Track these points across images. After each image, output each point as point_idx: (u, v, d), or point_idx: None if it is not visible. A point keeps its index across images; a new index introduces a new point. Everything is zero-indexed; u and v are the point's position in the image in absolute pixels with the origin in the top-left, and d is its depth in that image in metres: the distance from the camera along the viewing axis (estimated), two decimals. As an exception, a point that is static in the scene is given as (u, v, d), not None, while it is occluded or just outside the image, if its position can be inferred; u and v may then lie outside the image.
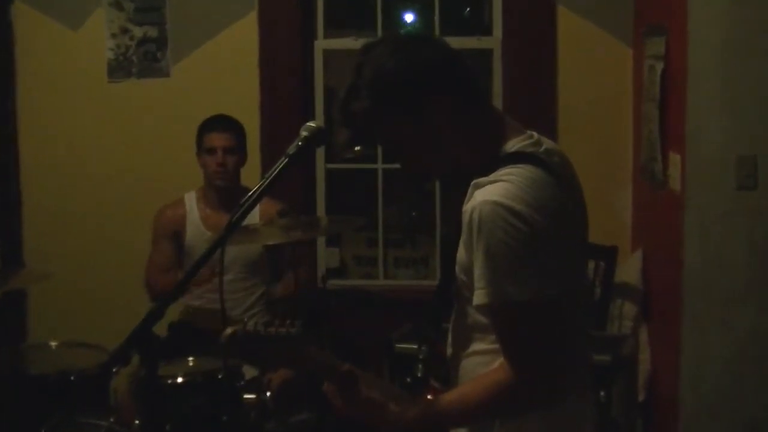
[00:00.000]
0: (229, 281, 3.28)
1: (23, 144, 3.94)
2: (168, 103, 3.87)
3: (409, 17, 4.30)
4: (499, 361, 1.55)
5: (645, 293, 3.48)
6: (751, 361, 2.90)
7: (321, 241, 3.94)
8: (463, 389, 1.60)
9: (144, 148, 3.89)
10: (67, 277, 3.75)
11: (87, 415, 2.72)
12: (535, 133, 1.64)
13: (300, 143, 1.65)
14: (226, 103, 3.67)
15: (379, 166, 3.95)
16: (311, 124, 1.68)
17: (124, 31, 3.85)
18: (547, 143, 1.63)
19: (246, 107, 3.76)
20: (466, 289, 1.56)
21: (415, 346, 1.72)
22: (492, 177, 1.53)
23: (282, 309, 3.33)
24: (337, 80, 3.85)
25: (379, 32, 3.90)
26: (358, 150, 4.07)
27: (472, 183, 1.55)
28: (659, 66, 3.22)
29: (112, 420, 2.69)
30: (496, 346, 1.55)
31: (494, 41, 3.83)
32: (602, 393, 2.81)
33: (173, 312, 3.37)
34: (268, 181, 1.62)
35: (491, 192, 1.50)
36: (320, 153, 3.91)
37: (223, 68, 3.85)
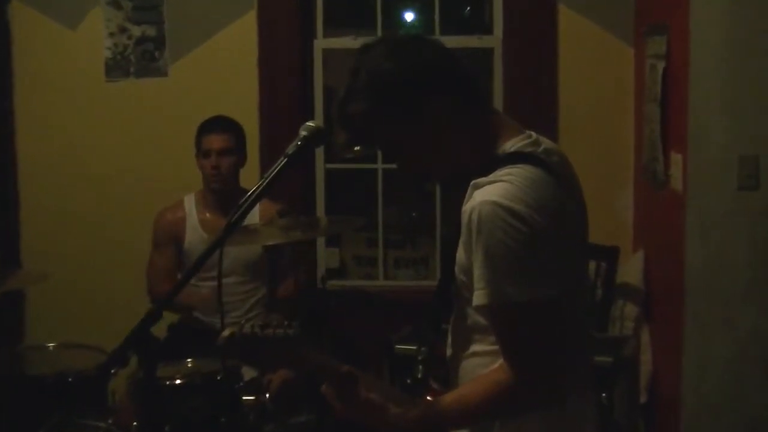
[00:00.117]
0: (229, 284, 3.27)
1: (21, 144, 3.93)
2: (166, 103, 3.86)
3: (409, 16, 4.28)
4: (498, 362, 1.54)
5: (646, 294, 3.48)
6: (752, 362, 2.90)
7: (321, 241, 3.94)
8: (463, 390, 1.59)
9: (142, 148, 3.88)
10: (65, 277, 3.74)
11: (85, 416, 2.72)
12: (533, 133, 1.63)
13: (299, 143, 1.65)
14: (224, 103, 3.66)
15: (379, 166, 3.94)
16: (310, 123, 1.68)
17: (122, 30, 3.84)
18: (546, 143, 1.63)
19: (245, 107, 3.76)
20: (466, 290, 1.56)
21: (415, 348, 1.71)
22: (491, 177, 1.53)
23: (283, 310, 3.32)
24: (337, 80, 3.83)
25: (379, 31, 3.89)
26: (357, 150, 4.06)
27: (471, 183, 1.55)
28: (661, 65, 3.21)
29: (110, 421, 2.69)
30: (496, 347, 1.55)
31: (495, 40, 3.83)
32: (604, 394, 2.80)
33: (172, 313, 3.36)
34: (267, 181, 1.62)
35: (490, 192, 1.50)
36: (320, 153, 3.90)
37: (222, 68, 3.84)
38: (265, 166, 3.71)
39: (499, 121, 1.64)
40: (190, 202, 3.40)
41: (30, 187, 3.95)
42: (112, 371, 2.61)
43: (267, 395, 2.89)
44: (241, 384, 2.75)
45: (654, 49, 3.33)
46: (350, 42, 3.80)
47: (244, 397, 2.75)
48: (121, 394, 2.96)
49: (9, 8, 3.87)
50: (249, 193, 1.61)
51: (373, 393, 1.55)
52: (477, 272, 1.50)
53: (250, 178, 3.41)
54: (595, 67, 3.73)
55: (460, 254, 1.56)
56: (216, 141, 3.26)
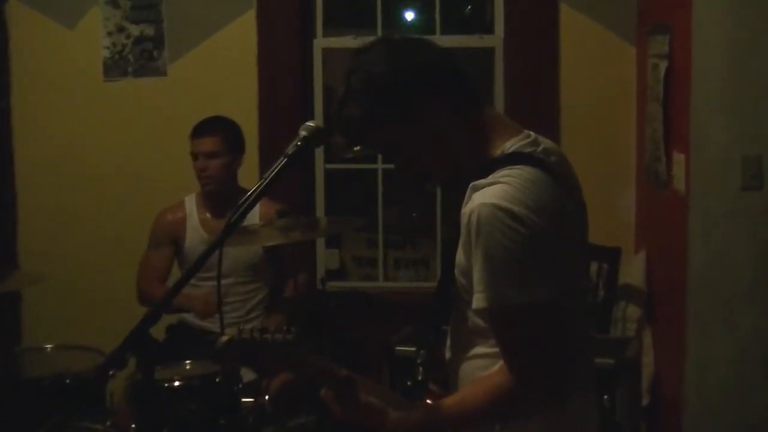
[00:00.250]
0: (229, 285, 3.26)
1: (18, 144, 3.93)
2: (165, 103, 3.85)
3: (409, 16, 4.27)
4: (498, 364, 1.54)
5: (649, 295, 3.48)
6: (755, 363, 2.89)
7: (320, 242, 3.93)
8: (463, 393, 1.59)
9: (141, 148, 3.87)
10: (63, 278, 3.73)
11: (83, 418, 2.71)
12: (532, 133, 1.63)
13: (299, 143, 1.64)
14: (223, 102, 3.65)
15: (379, 166, 3.93)
16: (310, 123, 1.67)
17: (121, 29, 3.83)
18: (545, 143, 1.62)
19: (244, 107, 3.75)
20: (466, 292, 1.55)
21: (415, 349, 1.71)
22: (490, 179, 1.52)
23: (284, 310, 3.32)
24: (337, 79, 3.79)
25: (379, 31, 3.88)
26: (357, 150, 4.04)
27: (470, 185, 1.54)
28: (663, 65, 3.20)
29: (108, 424, 2.69)
30: (496, 349, 1.55)
31: (496, 40, 3.81)
32: (605, 396, 2.80)
33: (171, 314, 3.34)
34: (266, 181, 1.61)
35: (489, 194, 1.49)
36: (319, 153, 3.90)
37: (221, 67, 3.83)
38: (264, 166, 3.70)
39: (498, 121, 1.64)
40: (190, 203, 3.40)
41: (27, 187, 3.94)
42: (111, 373, 2.60)
43: (266, 397, 2.87)
44: (240, 386, 2.74)
45: (656, 49, 3.32)
46: (350, 41, 3.79)
47: (243, 399, 2.74)
48: (120, 396, 2.94)
49: (6, 7, 3.86)
50: (248, 194, 1.61)
51: (372, 397, 1.55)
52: (476, 275, 1.49)
53: (250, 178, 3.40)
54: (596, 67, 3.72)
55: (460, 256, 1.55)
56: (202, 144, 3.27)
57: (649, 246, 3.55)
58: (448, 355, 1.69)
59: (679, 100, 3.07)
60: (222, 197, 3.30)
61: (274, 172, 1.61)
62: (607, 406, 2.81)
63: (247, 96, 3.80)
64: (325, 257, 3.98)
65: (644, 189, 3.60)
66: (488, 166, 1.55)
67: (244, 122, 3.46)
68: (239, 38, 3.81)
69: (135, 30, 3.83)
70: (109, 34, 3.85)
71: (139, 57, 3.84)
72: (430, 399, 1.64)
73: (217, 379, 2.67)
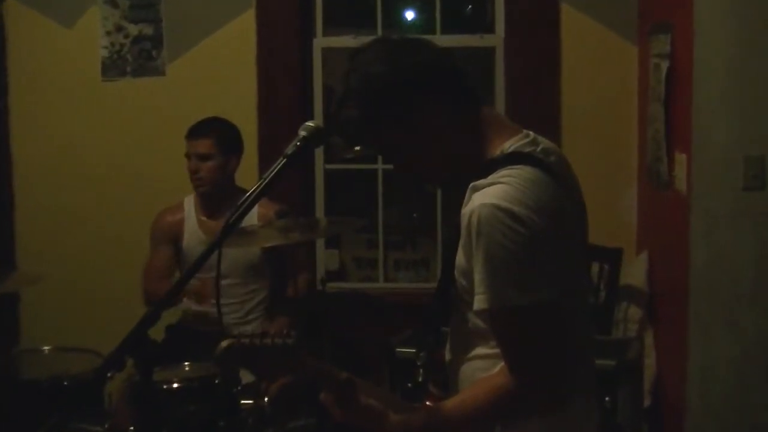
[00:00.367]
0: (228, 285, 3.25)
1: (16, 144, 3.92)
2: (164, 103, 3.84)
3: (409, 15, 4.25)
4: (499, 365, 1.54)
5: (650, 296, 3.47)
6: (757, 364, 2.88)
7: (320, 243, 3.92)
8: (464, 395, 1.58)
9: (139, 148, 3.86)
10: (61, 279, 3.73)
11: (81, 420, 2.70)
12: (531, 132, 1.63)
13: (298, 143, 1.63)
14: (222, 102, 3.64)
15: (379, 166, 3.92)
16: (310, 123, 1.66)
17: (119, 28, 3.82)
18: (544, 142, 1.62)
19: (243, 107, 3.74)
20: (466, 293, 1.55)
21: (415, 351, 1.70)
22: (490, 179, 1.52)
23: (288, 313, 3.31)
24: (337, 79, 3.80)
25: (379, 30, 3.87)
26: (357, 150, 4.03)
27: (470, 186, 1.54)
28: (665, 64, 3.19)
29: (106, 426, 2.69)
30: (496, 350, 1.54)
31: (496, 39, 3.80)
32: (607, 398, 2.79)
33: (171, 315, 3.33)
34: (266, 182, 1.60)
35: (489, 195, 1.49)
36: (319, 153, 3.89)
37: (220, 67, 3.82)
38: (263, 167, 3.69)
39: (497, 121, 1.64)
40: (189, 204, 3.40)
41: (25, 187, 3.93)
42: (109, 375, 2.61)
43: (266, 399, 2.86)
44: (240, 388, 2.72)
45: (658, 48, 3.31)
46: (350, 41, 3.78)
47: (243, 401, 2.73)
48: (118, 397, 2.93)
49: (4, 6, 3.85)
50: (248, 194, 1.60)
51: (372, 400, 1.54)
52: (477, 276, 1.49)
53: (249, 178, 3.38)
54: (598, 67, 3.71)
55: (460, 257, 1.55)
56: (195, 146, 3.27)
57: (651, 247, 3.54)
58: (448, 356, 1.69)
59: (680, 100, 3.06)
60: (219, 198, 3.29)
61: (273, 173, 1.60)
62: (609, 407, 2.80)
63: (246, 96, 3.79)
64: (324, 258, 3.97)
65: (646, 189, 3.59)
66: (488, 166, 1.55)
67: (244, 122, 3.45)
68: (238, 38, 3.80)
69: (133, 29, 3.82)
70: (108, 33, 3.83)
71: (138, 57, 3.83)
72: (430, 401, 1.64)
73: (217, 381, 2.66)
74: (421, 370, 1.67)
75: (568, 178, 1.62)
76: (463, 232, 1.51)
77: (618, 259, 3.44)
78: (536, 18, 3.71)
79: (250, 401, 2.78)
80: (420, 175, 1.70)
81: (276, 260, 3.38)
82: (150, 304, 3.31)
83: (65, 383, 2.75)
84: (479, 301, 1.49)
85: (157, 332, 1.59)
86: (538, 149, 1.58)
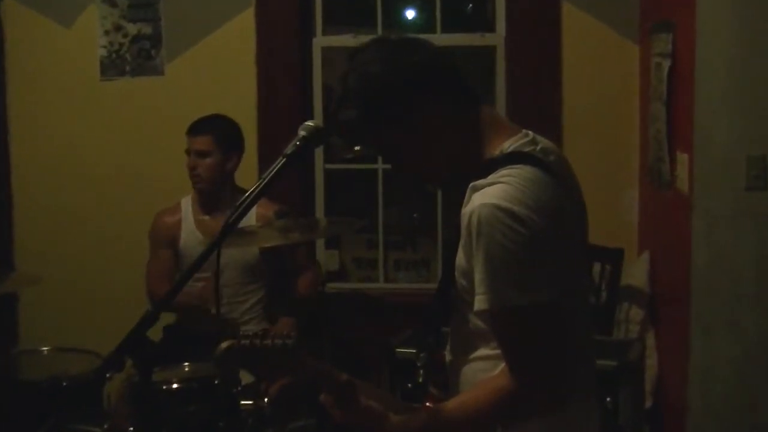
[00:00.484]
0: (225, 285, 3.23)
1: (14, 144, 3.91)
2: (162, 102, 3.83)
3: (410, 14, 4.24)
4: (500, 366, 1.53)
5: (652, 296, 3.47)
6: (760, 365, 2.87)
7: (320, 243, 3.91)
8: (464, 397, 1.58)
9: (138, 148, 3.86)
10: (60, 280, 3.72)
11: (80, 421, 2.69)
12: (530, 132, 1.62)
13: (298, 143, 1.63)
14: (222, 102, 3.63)
15: (379, 166, 3.91)
16: (309, 123, 1.66)
17: (118, 28, 3.81)
18: (543, 142, 1.61)
19: (243, 106, 3.73)
20: (466, 294, 1.54)
21: (416, 352, 1.70)
22: (490, 179, 1.51)
23: (295, 313, 3.30)
24: (337, 78, 3.79)
25: (379, 29, 3.87)
26: (357, 150, 4.02)
27: (469, 186, 1.53)
28: (666, 63, 3.19)
29: (106, 427, 2.67)
30: (497, 351, 1.54)
31: (497, 38, 3.79)
32: (608, 399, 2.78)
33: (169, 315, 3.32)
34: (265, 182, 1.60)
35: (489, 195, 1.48)
36: (319, 153, 3.88)
37: (220, 66, 3.81)
38: (263, 166, 3.68)
39: (496, 120, 1.64)
40: (186, 204, 3.39)
41: (24, 187, 3.92)
42: (108, 375, 2.60)
43: (265, 400, 2.85)
44: (239, 388, 2.71)
45: (659, 47, 3.30)
46: (350, 40, 3.77)
47: (243, 402, 2.71)
48: (117, 398, 2.92)
49: (2, 6, 3.85)
50: (247, 194, 1.59)
51: (372, 401, 1.54)
52: (477, 276, 1.48)
53: (249, 177, 3.37)
54: (599, 66, 3.71)
55: (460, 258, 1.54)
56: (194, 142, 3.26)
57: (652, 247, 3.53)
58: (448, 357, 1.68)
59: (682, 100, 3.06)
60: (217, 196, 3.29)
61: (272, 173, 1.59)
62: (610, 408, 2.79)
63: (245, 95, 3.79)
64: (324, 258, 3.96)
65: (647, 189, 3.58)
66: (487, 165, 1.55)
67: (243, 122, 3.44)
68: (238, 37, 3.79)
69: (132, 29, 3.81)
70: (107, 32, 3.82)
71: (137, 56, 3.82)
72: (430, 402, 1.63)
73: (216, 382, 2.64)
74: (421, 371, 1.67)
75: (568, 178, 1.61)
76: (463, 232, 1.51)
77: (619, 259, 3.43)
78: (537, 17, 3.70)
79: (250, 402, 2.76)
80: (420, 175, 1.69)
81: (275, 260, 3.37)
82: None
83: (64, 384, 2.73)
84: (479, 302, 1.48)
85: (154, 333, 1.58)
86: (538, 149, 1.58)
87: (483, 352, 1.58)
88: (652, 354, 3.37)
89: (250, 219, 3.14)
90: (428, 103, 1.58)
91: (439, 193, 3.89)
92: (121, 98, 3.85)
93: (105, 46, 3.84)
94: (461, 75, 1.62)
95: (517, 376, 1.49)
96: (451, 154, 1.60)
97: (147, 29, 3.81)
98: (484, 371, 1.57)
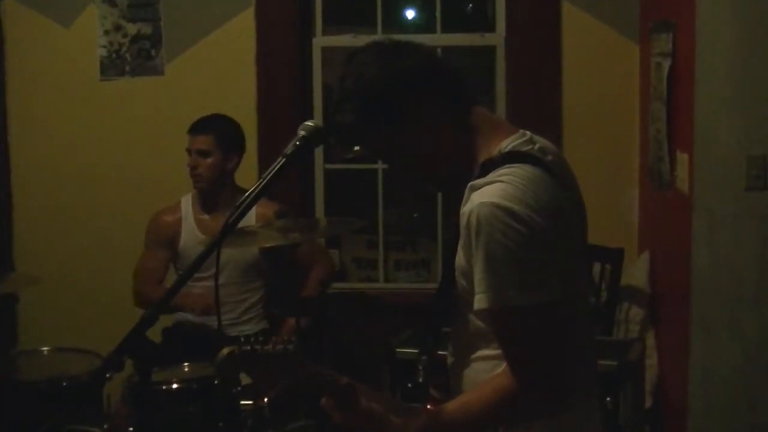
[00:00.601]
0: (224, 285, 3.23)
1: (14, 144, 3.91)
2: (162, 102, 3.82)
3: (410, 14, 4.23)
4: (502, 367, 1.52)
5: (652, 296, 3.46)
6: (760, 366, 2.87)
7: (320, 243, 3.89)
8: (466, 397, 1.57)
9: (138, 148, 3.85)
10: (59, 280, 3.72)
11: (80, 422, 2.68)
12: (527, 132, 1.62)
13: (298, 143, 1.63)
14: (222, 102, 3.62)
15: (379, 166, 3.91)
16: (309, 123, 1.66)
17: (118, 27, 3.80)
18: (541, 141, 1.61)
19: (242, 106, 3.72)
20: (467, 294, 1.53)
21: (416, 351, 1.69)
22: (488, 178, 1.51)
23: (280, 313, 3.29)
24: (336, 78, 3.78)
25: (379, 29, 3.86)
26: (357, 150, 4.00)
27: (468, 185, 1.53)
28: (666, 63, 3.18)
29: (105, 427, 2.67)
30: (499, 351, 1.53)
31: (497, 38, 3.79)
32: (608, 399, 2.77)
33: (168, 317, 3.32)
34: (265, 182, 1.60)
35: (488, 193, 1.48)
36: (319, 153, 3.87)
37: (219, 66, 3.81)
38: (263, 166, 3.68)
39: (492, 120, 1.64)
40: (186, 203, 3.39)
41: (23, 187, 3.91)
42: (108, 376, 2.59)
43: (265, 400, 2.84)
44: (239, 388, 2.71)
45: (660, 47, 3.29)
46: (350, 40, 3.77)
47: (242, 402, 2.71)
48: (117, 398, 2.92)
49: (2, 6, 3.84)
50: (247, 194, 1.59)
51: (373, 404, 1.53)
52: (477, 276, 1.48)
53: (249, 177, 3.37)
54: (599, 65, 3.70)
55: (460, 258, 1.54)
56: (195, 142, 3.27)
57: (653, 247, 3.53)
58: (450, 359, 1.67)
59: (682, 99, 3.05)
60: (218, 196, 3.29)
61: (272, 172, 1.59)
62: (610, 408, 2.78)
63: (245, 95, 3.78)
64: (324, 258, 3.95)
65: (647, 189, 3.58)
66: (486, 165, 1.54)
67: (243, 121, 3.44)
68: (238, 37, 3.78)
69: (132, 28, 3.80)
70: (106, 32, 3.82)
71: (137, 56, 3.81)
72: (431, 405, 1.62)
73: (216, 382, 2.64)
74: (421, 371, 1.66)
75: (567, 177, 1.61)
76: (463, 231, 1.50)
77: (619, 259, 3.43)
78: (537, 16, 3.69)
79: (250, 402, 2.76)
80: (418, 177, 1.69)
81: (274, 260, 3.37)
82: (141, 305, 3.30)
83: (64, 384, 2.73)
84: (479, 301, 1.48)
85: (153, 335, 1.58)
86: (536, 148, 1.57)
87: (484, 352, 1.57)
88: (652, 354, 3.36)
89: (250, 219, 3.14)
90: (424, 105, 1.58)
91: (439, 194, 3.89)
92: (121, 98, 3.84)
93: (105, 46, 3.83)
94: (457, 76, 1.62)
95: (518, 375, 1.48)
96: (448, 155, 1.60)
97: (147, 29, 3.80)
98: (486, 372, 1.56)
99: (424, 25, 4.10)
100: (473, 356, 1.59)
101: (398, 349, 2.98)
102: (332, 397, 1.53)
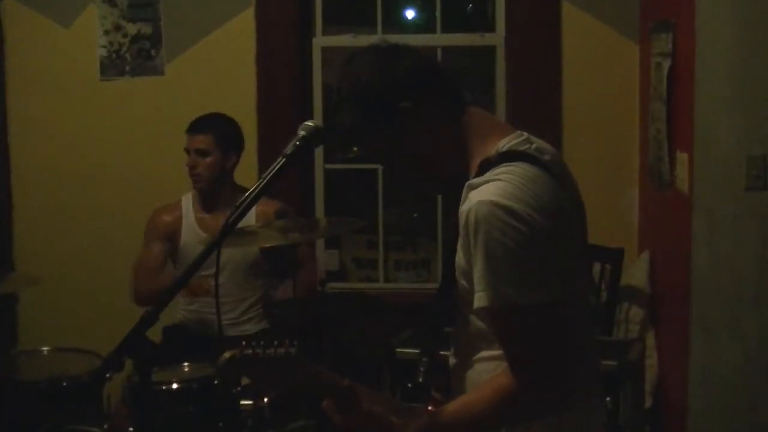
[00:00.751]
0: (224, 284, 3.23)
1: (14, 144, 3.90)
2: (162, 102, 3.82)
3: (410, 14, 4.23)
4: (504, 366, 1.52)
5: (652, 296, 3.46)
6: (761, 366, 2.86)
7: (320, 243, 3.90)
8: (467, 398, 1.57)
9: (138, 148, 3.85)
10: (59, 280, 3.72)
11: (80, 422, 2.67)
12: (524, 132, 1.62)
13: (298, 143, 1.63)
14: (221, 101, 3.62)
15: (379, 166, 3.89)
16: (309, 123, 1.66)
17: (118, 27, 3.80)
18: (538, 142, 1.61)
19: (242, 106, 3.72)
20: (467, 295, 1.53)
21: (417, 351, 1.69)
22: (486, 177, 1.51)
23: (281, 313, 3.28)
24: (335, 80, 3.78)
25: (379, 29, 3.86)
26: (357, 150, 4.01)
27: (466, 184, 1.53)
28: (666, 63, 3.18)
29: (105, 427, 2.67)
30: (501, 352, 1.52)
31: (497, 38, 3.79)
32: (608, 399, 2.76)
33: (168, 316, 3.31)
34: (265, 181, 1.60)
35: (487, 192, 1.48)
36: (319, 153, 3.87)
37: (219, 66, 3.81)
38: (263, 166, 3.68)
39: (488, 120, 1.64)
40: (187, 202, 3.39)
41: (23, 188, 3.91)
42: (108, 376, 2.59)
43: (265, 400, 2.84)
44: (239, 388, 2.70)
45: (659, 47, 3.29)
46: (350, 40, 3.77)
47: (242, 402, 2.71)
48: (117, 398, 2.92)
49: (2, 6, 3.83)
50: (247, 194, 1.59)
51: (374, 405, 1.54)
52: (476, 274, 1.47)
53: (249, 177, 3.37)
54: (599, 65, 3.70)
55: (460, 257, 1.53)
56: (194, 141, 3.26)
57: (653, 247, 3.52)
58: (452, 360, 1.67)
59: (682, 99, 3.05)
60: (217, 195, 3.28)
61: (272, 172, 1.59)
62: (610, 408, 2.78)
63: (245, 95, 3.78)
64: (324, 258, 3.95)
65: (647, 189, 3.57)
66: (484, 165, 1.54)
67: (243, 121, 3.43)
68: (238, 37, 3.78)
69: (132, 29, 3.80)
70: (106, 32, 3.82)
71: (137, 56, 3.81)
72: (432, 406, 1.62)
73: (216, 382, 2.64)
74: (421, 370, 1.66)
75: (566, 177, 1.61)
76: (461, 231, 1.50)
77: (619, 259, 3.42)
78: (537, 16, 3.69)
79: (250, 402, 2.76)
80: (417, 177, 1.69)
81: (275, 260, 3.36)
82: (139, 301, 3.30)
83: (64, 384, 2.72)
84: (479, 299, 1.47)
85: (154, 334, 1.58)
86: (533, 147, 1.57)
87: (486, 353, 1.57)
88: (652, 354, 3.36)
89: (251, 218, 3.14)
90: (424, 105, 1.59)
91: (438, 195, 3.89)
92: (121, 98, 3.84)
93: (105, 46, 3.83)
94: (451, 78, 1.63)
95: (518, 375, 1.48)
96: (448, 155, 1.61)
97: (147, 29, 3.80)
98: (488, 373, 1.55)
99: (424, 25, 4.10)
100: (475, 357, 1.59)
101: (398, 349, 2.98)
102: (333, 399, 1.53)
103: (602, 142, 3.70)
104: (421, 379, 1.65)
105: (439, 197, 3.89)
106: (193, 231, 3.32)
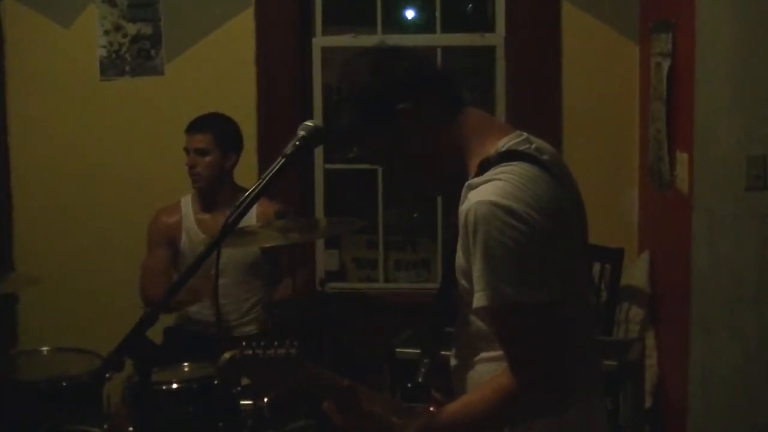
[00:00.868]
0: (222, 285, 3.23)
1: (14, 144, 3.90)
2: (162, 102, 3.82)
3: (409, 14, 4.23)
4: (504, 366, 1.52)
5: (652, 296, 3.46)
6: (760, 366, 2.86)
7: (320, 243, 3.90)
8: (467, 398, 1.57)
9: (138, 148, 3.85)
10: (59, 280, 3.72)
11: (80, 422, 2.68)
12: (523, 132, 1.62)
13: (297, 143, 1.63)
14: (221, 102, 3.62)
15: (379, 166, 3.89)
16: (309, 123, 1.66)
17: (117, 28, 3.80)
18: (537, 141, 1.61)
19: (242, 106, 3.72)
20: (467, 295, 1.53)
21: (417, 351, 1.69)
22: (485, 176, 1.51)
23: (280, 313, 3.28)
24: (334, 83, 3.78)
25: (379, 29, 3.86)
26: (357, 150, 4.01)
27: (465, 184, 1.54)
28: (666, 63, 3.18)
29: (105, 427, 2.67)
30: (501, 353, 1.52)
31: (497, 38, 3.79)
32: (608, 399, 2.75)
33: (168, 316, 3.32)
34: (264, 181, 1.60)
35: (486, 191, 1.48)
36: (319, 153, 3.87)
37: (219, 66, 3.81)
38: (263, 166, 3.68)
39: (486, 121, 1.64)
40: (186, 203, 3.38)
41: (23, 188, 3.91)
42: (108, 376, 2.59)
43: (265, 400, 2.84)
44: (239, 388, 2.70)
45: (659, 47, 3.29)
46: (350, 40, 3.77)
47: (242, 402, 2.71)
48: (117, 399, 2.92)
49: (2, 6, 3.83)
50: (247, 194, 1.59)
51: (375, 406, 1.54)
52: (476, 274, 1.47)
53: (248, 177, 3.37)
54: (599, 65, 3.70)
55: (459, 257, 1.53)
56: (193, 140, 3.27)
57: (653, 247, 3.52)
58: (453, 361, 1.67)
59: (682, 99, 3.05)
60: (217, 194, 3.28)
61: (272, 172, 1.59)
62: (610, 408, 2.78)
63: (245, 95, 3.78)
64: (324, 258, 3.95)
65: (647, 189, 3.57)
66: (483, 164, 1.55)
67: (243, 121, 3.44)
68: (237, 37, 3.78)
69: (132, 29, 3.80)
70: (106, 32, 3.82)
71: (137, 56, 3.81)
72: (433, 407, 1.62)
73: (216, 382, 2.64)
74: (422, 370, 1.66)
75: (565, 177, 1.61)
76: (461, 230, 1.50)
77: (619, 259, 3.43)
78: (537, 16, 3.69)
79: (250, 402, 2.76)
80: (417, 178, 1.69)
81: (275, 260, 3.36)
82: (148, 303, 3.30)
83: (64, 384, 2.72)
84: (478, 299, 1.47)
85: (154, 334, 1.58)
86: (532, 147, 1.57)
87: (487, 354, 1.57)
88: (652, 354, 3.36)
89: (251, 218, 3.14)
90: (423, 105, 1.59)
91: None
92: (121, 98, 3.84)
93: (105, 46, 3.83)
94: (449, 79, 1.64)
95: (518, 375, 1.48)
96: (448, 155, 1.61)
97: (147, 29, 3.80)
98: (489, 374, 1.55)
99: (423, 25, 4.10)
100: (476, 358, 1.59)
101: (398, 349, 2.98)
102: (333, 399, 1.54)
103: (602, 142, 3.70)
104: (421, 380, 1.65)
105: (439, 197, 3.89)
106: (192, 232, 3.32)
